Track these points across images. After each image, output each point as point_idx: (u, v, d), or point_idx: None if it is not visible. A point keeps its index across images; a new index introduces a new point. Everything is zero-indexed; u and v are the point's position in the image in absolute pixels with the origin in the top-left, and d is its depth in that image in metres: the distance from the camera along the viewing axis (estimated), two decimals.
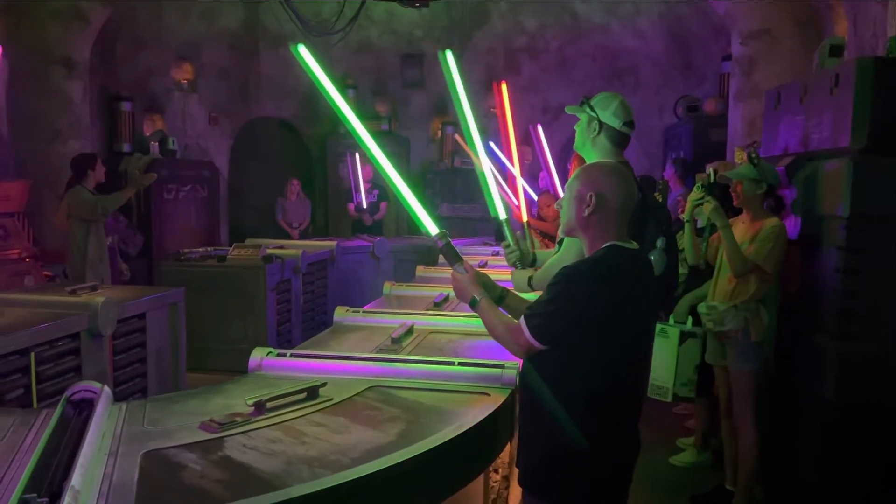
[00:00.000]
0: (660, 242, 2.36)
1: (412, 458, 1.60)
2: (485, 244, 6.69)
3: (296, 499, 1.38)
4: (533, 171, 7.55)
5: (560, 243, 2.53)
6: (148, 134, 8.06)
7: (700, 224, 3.56)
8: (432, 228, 2.12)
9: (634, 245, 1.94)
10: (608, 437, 1.90)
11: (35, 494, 1.31)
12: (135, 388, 3.83)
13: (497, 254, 5.61)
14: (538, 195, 5.69)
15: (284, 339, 5.69)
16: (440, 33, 9.16)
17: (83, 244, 5.10)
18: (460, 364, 2.21)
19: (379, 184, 8.42)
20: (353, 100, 9.24)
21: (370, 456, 1.59)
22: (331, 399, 1.97)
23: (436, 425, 1.81)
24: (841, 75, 3.15)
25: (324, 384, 2.02)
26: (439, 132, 9.31)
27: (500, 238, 7.03)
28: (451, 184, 8.96)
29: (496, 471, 2.69)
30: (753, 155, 3.33)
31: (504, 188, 4.15)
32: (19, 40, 6.39)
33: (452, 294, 3.60)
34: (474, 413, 1.90)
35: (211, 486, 1.44)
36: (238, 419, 1.78)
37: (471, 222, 8.65)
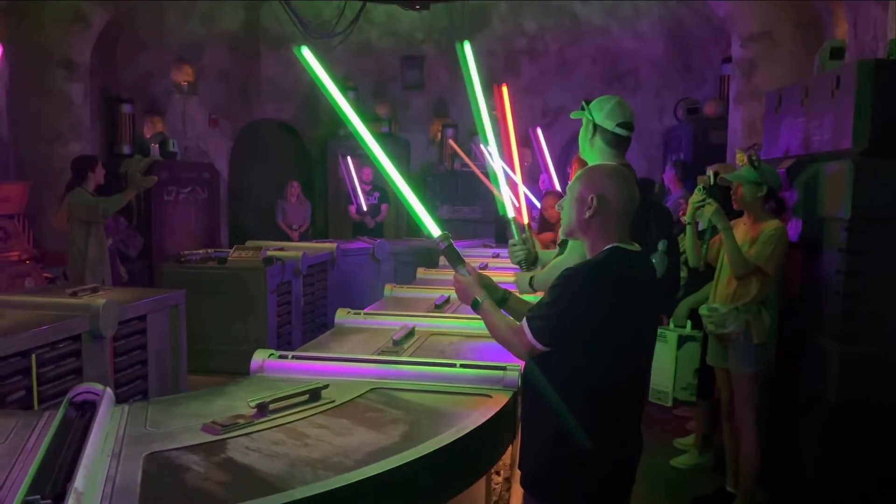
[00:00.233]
0: (661, 245, 2.36)
1: (415, 460, 1.60)
2: (485, 246, 6.69)
3: (299, 501, 1.38)
4: (533, 174, 7.55)
5: (562, 245, 2.53)
6: (148, 136, 8.06)
7: (701, 226, 3.56)
8: (434, 230, 2.13)
9: (636, 247, 1.94)
10: (609, 439, 1.90)
11: (38, 496, 1.31)
12: (135, 390, 3.83)
13: (497, 256, 5.61)
14: (542, 196, 5.70)
15: (284, 341, 5.69)
16: (440, 35, 9.17)
17: (83, 246, 5.10)
18: (462, 366, 2.21)
19: (379, 185, 8.43)
20: (353, 102, 9.24)
21: (373, 458, 1.59)
22: (333, 401, 1.97)
23: (438, 427, 1.81)
24: (842, 78, 3.15)
25: (326, 386, 2.02)
26: (439, 134, 9.32)
27: (500, 240, 7.04)
28: (451, 186, 8.97)
29: (498, 473, 2.70)
30: (754, 157, 3.33)
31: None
32: (20, 42, 6.39)
33: (453, 296, 3.60)
34: (476, 415, 1.90)
35: (214, 488, 1.44)
36: (241, 421, 1.77)
37: (471, 224, 8.66)
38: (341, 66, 9.18)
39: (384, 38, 9.28)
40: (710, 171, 3.66)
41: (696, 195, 3.49)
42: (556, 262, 2.49)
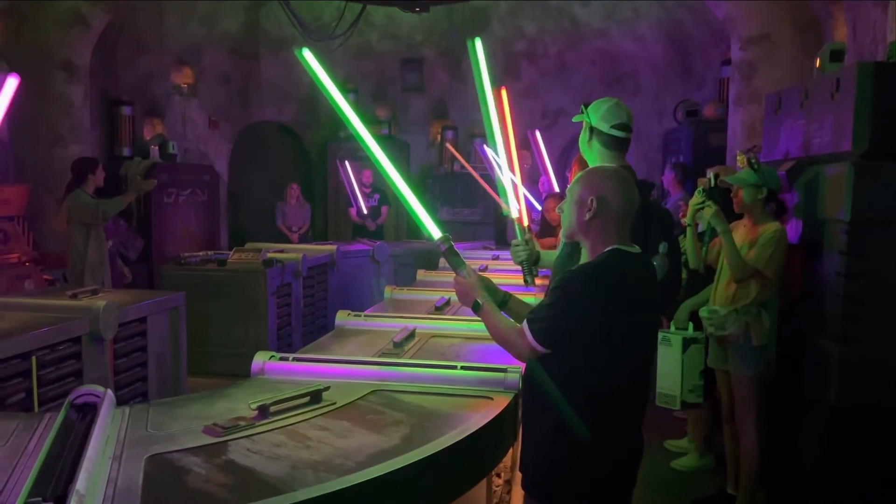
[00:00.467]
0: (662, 247, 2.36)
1: (416, 462, 1.60)
2: (485, 248, 6.70)
3: (301, 503, 1.38)
4: (532, 176, 7.56)
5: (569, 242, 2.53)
6: (148, 138, 8.07)
7: (701, 228, 3.56)
8: (435, 232, 2.13)
9: (636, 248, 1.94)
10: (610, 441, 1.90)
11: (40, 498, 1.31)
12: (136, 392, 3.83)
13: (497, 258, 5.61)
14: (544, 199, 5.70)
15: (285, 343, 5.69)
16: (440, 38, 9.18)
17: (83, 248, 5.10)
18: (463, 368, 2.21)
19: (379, 188, 8.43)
20: (353, 104, 9.23)
21: (374, 460, 1.59)
22: (334, 403, 1.97)
23: (439, 429, 1.81)
24: (842, 80, 3.16)
25: (327, 388, 2.02)
26: (439, 136, 9.33)
27: (500, 242, 7.04)
28: (451, 188, 8.98)
29: (499, 475, 2.69)
30: (753, 160, 3.34)
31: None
32: (20, 44, 6.40)
33: (454, 298, 3.60)
34: (477, 417, 1.90)
35: (215, 490, 1.44)
36: (242, 423, 1.77)
37: (470, 226, 8.67)
38: (341, 68, 9.18)
39: (384, 41, 9.29)
40: (710, 173, 3.67)
41: (696, 197, 3.50)
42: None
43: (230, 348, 5.14)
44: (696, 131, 7.37)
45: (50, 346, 3.14)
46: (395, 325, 2.93)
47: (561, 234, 2.09)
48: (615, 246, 1.90)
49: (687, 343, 3.29)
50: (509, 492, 2.72)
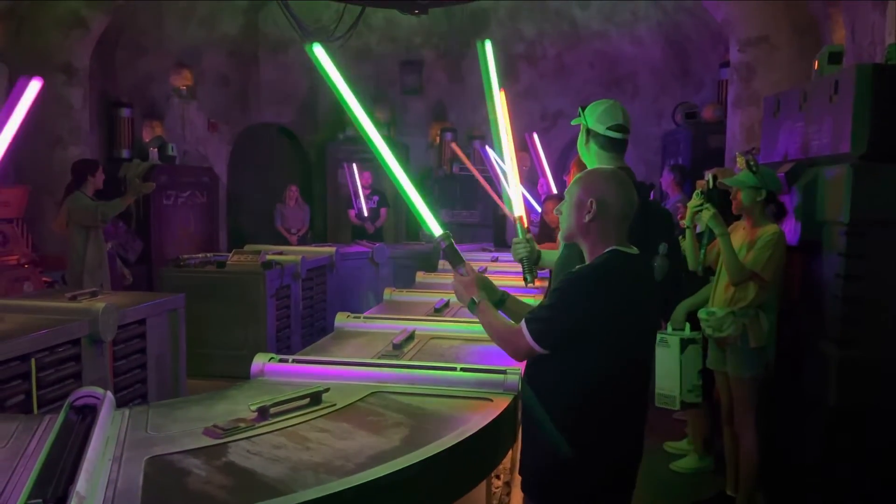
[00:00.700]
0: (662, 248, 2.36)
1: (415, 463, 1.60)
2: (483, 250, 6.70)
3: None
4: (531, 178, 7.57)
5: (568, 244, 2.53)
6: (147, 140, 8.07)
7: (699, 229, 3.57)
8: (436, 229, 2.13)
9: (634, 250, 1.94)
10: (609, 443, 1.90)
11: (40, 500, 1.31)
12: (135, 394, 3.83)
13: (496, 259, 5.61)
14: (543, 200, 5.71)
15: (284, 345, 5.68)
16: (439, 40, 9.20)
17: (82, 250, 5.10)
18: (462, 369, 2.21)
19: (379, 190, 8.44)
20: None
21: (374, 461, 1.59)
22: (334, 405, 1.97)
23: (438, 431, 1.81)
24: (840, 82, 3.16)
25: (326, 390, 2.02)
26: (438, 138, 9.34)
27: (499, 243, 7.04)
28: (450, 190, 8.99)
29: (498, 476, 2.69)
30: (752, 162, 3.34)
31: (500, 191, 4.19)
32: (19, 46, 6.40)
33: (453, 299, 3.61)
34: (477, 419, 1.90)
35: (216, 492, 1.44)
36: (242, 425, 1.77)
37: (469, 228, 8.68)
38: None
39: (383, 43, 9.30)
40: (709, 175, 3.67)
41: (695, 200, 3.50)
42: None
43: (229, 350, 5.14)
44: (694, 133, 7.38)
45: (49, 349, 3.14)
46: (394, 326, 2.93)
47: (559, 235, 2.09)
48: (614, 247, 1.90)
49: (685, 344, 3.30)
50: (509, 493, 2.72)
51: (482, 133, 8.70)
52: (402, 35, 9.24)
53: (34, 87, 2.76)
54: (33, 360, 3.02)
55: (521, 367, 2.16)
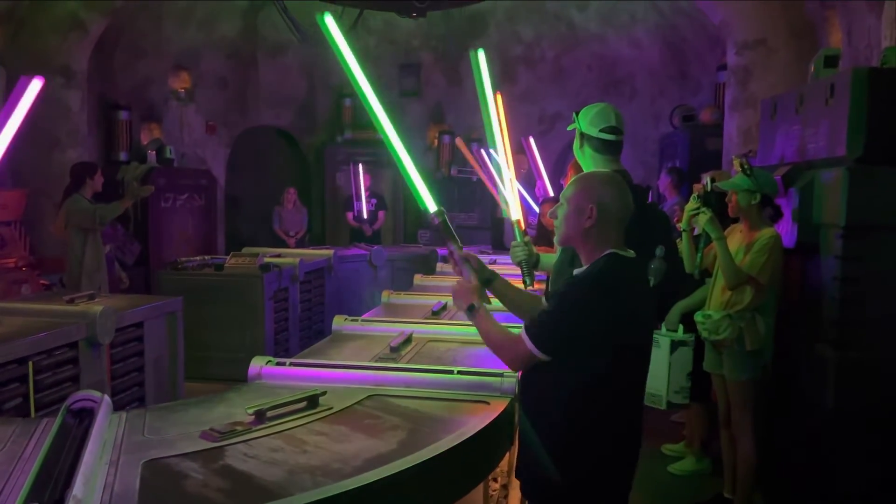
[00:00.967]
0: (659, 250, 2.36)
1: (412, 466, 1.61)
2: (481, 252, 6.69)
3: None
4: (529, 181, 7.58)
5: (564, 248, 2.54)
6: (145, 143, 8.06)
7: (697, 231, 3.58)
8: (431, 205, 2.14)
9: (631, 253, 1.95)
10: (608, 447, 1.91)
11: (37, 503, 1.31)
12: (133, 397, 3.82)
13: (494, 262, 5.61)
14: (541, 203, 5.72)
15: (282, 348, 5.68)
16: (437, 43, 9.20)
17: (80, 253, 5.10)
18: (459, 372, 2.22)
19: (377, 192, 8.45)
20: (350, 109, 9.27)
21: (371, 465, 1.59)
22: (331, 408, 1.98)
23: (435, 434, 1.82)
24: (836, 85, 3.18)
25: (324, 393, 2.02)
26: (436, 141, 9.34)
27: (497, 246, 7.05)
28: (448, 192, 8.99)
29: (495, 479, 2.70)
30: (746, 165, 3.35)
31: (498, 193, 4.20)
32: (18, 49, 6.40)
33: (450, 302, 3.61)
34: (474, 422, 1.90)
35: (213, 495, 1.44)
36: (239, 428, 1.78)
37: (467, 231, 8.68)
38: (338, 73, 9.14)
39: (381, 46, 9.31)
40: (707, 178, 3.68)
41: (691, 203, 3.51)
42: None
43: (227, 353, 5.14)
44: (692, 136, 7.39)
45: (47, 351, 3.14)
46: (391, 329, 2.94)
47: (555, 239, 2.09)
48: (612, 250, 1.90)
49: (675, 345, 3.31)
50: (506, 496, 2.72)
51: (480, 136, 8.67)
52: (401, 38, 9.25)
53: (35, 86, 2.75)
54: (31, 363, 3.02)
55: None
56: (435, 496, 1.74)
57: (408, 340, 2.75)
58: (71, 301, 3.68)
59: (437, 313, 3.39)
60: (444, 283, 4.45)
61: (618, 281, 1.88)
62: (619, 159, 2.61)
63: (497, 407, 2.02)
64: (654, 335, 3.32)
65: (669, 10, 8.22)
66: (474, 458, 1.88)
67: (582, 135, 2.55)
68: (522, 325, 1.91)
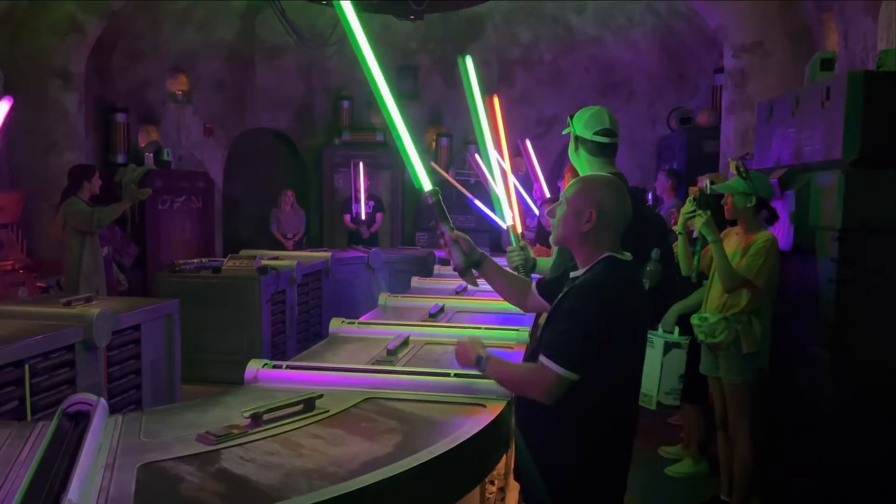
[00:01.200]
0: (654, 253, 2.37)
1: (409, 469, 1.60)
2: None
3: None
4: (527, 183, 7.58)
5: (561, 250, 2.54)
6: (143, 145, 8.06)
7: (696, 234, 3.58)
8: (426, 183, 2.15)
9: (628, 256, 1.95)
10: (607, 451, 1.91)
11: None
12: (129, 400, 3.82)
13: None
14: (541, 205, 5.73)
15: (279, 351, 5.67)
16: (435, 45, 9.21)
17: (78, 255, 5.09)
18: (456, 375, 2.21)
19: (375, 195, 8.45)
20: (347, 111, 9.27)
21: (367, 468, 1.59)
22: (327, 411, 1.97)
23: (432, 437, 1.82)
24: (832, 89, 3.18)
25: (320, 396, 2.02)
26: (434, 143, 9.35)
27: (494, 248, 7.06)
28: (446, 195, 8.93)
29: (492, 482, 2.69)
30: (742, 168, 3.36)
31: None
32: (16, 51, 6.40)
33: (447, 305, 3.62)
34: (470, 424, 1.90)
35: (209, 499, 1.44)
36: (235, 431, 1.78)
37: (465, 233, 8.66)
38: (336, 75, 9.21)
39: (379, 48, 9.29)
40: (706, 180, 3.68)
41: (687, 206, 3.52)
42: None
43: (224, 355, 5.13)
44: (689, 138, 7.41)
45: (43, 354, 3.13)
46: (388, 332, 2.93)
47: (551, 238, 2.09)
48: (609, 254, 1.91)
49: (669, 346, 3.31)
50: (503, 499, 2.72)
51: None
52: (398, 40, 9.26)
53: (3, 107, 2.76)
54: (27, 367, 3.01)
55: None
56: (432, 499, 1.74)
57: (405, 343, 2.75)
58: (68, 304, 3.68)
59: (435, 316, 3.39)
60: (441, 286, 4.45)
61: (620, 285, 1.88)
62: (615, 161, 2.61)
63: (494, 410, 2.02)
64: (651, 335, 3.34)
65: (666, 13, 8.24)
66: (471, 460, 1.88)
67: (576, 138, 2.57)
68: (541, 356, 1.82)
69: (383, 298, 3.92)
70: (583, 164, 2.58)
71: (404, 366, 2.46)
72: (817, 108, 3.31)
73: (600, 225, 1.89)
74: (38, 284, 5.78)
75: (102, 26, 6.94)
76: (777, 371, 3.60)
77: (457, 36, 8.93)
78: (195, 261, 6.11)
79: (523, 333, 2.86)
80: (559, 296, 1.96)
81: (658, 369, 3.27)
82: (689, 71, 8.65)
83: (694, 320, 3.43)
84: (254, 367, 2.30)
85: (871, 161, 3.03)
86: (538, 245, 5.29)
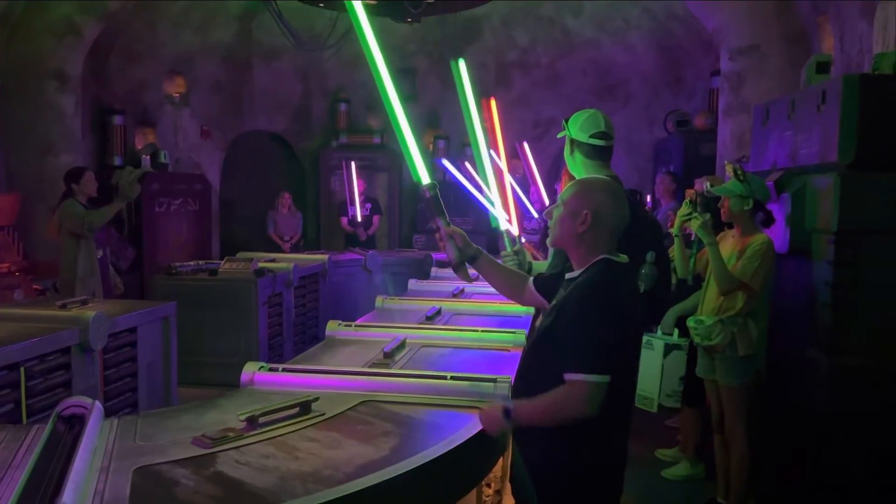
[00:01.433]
0: (650, 256, 2.38)
1: (405, 472, 1.60)
2: None
3: None
4: (524, 186, 7.59)
5: (557, 252, 2.54)
6: (140, 147, 8.05)
7: (694, 236, 3.59)
8: (425, 177, 2.15)
9: (624, 258, 1.96)
10: (606, 453, 1.91)
11: None
12: (125, 403, 3.81)
13: None
14: (541, 210, 5.73)
15: (276, 353, 5.66)
16: (432, 48, 9.22)
17: (74, 258, 5.07)
18: (453, 378, 2.21)
19: (372, 197, 8.45)
20: (345, 114, 9.28)
21: (363, 471, 1.59)
22: (323, 414, 1.97)
23: (428, 440, 1.82)
24: (828, 92, 3.19)
25: (316, 399, 2.02)
26: (431, 145, 9.36)
27: (492, 250, 7.06)
28: (444, 197, 8.93)
29: (488, 485, 2.69)
30: (739, 171, 3.36)
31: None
32: (12, 53, 6.39)
33: (444, 307, 3.62)
34: (467, 427, 1.90)
35: (204, 502, 1.44)
36: (230, 434, 1.77)
37: None
38: (333, 78, 9.21)
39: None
40: (706, 183, 3.69)
41: (684, 208, 3.53)
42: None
43: (221, 358, 5.12)
44: (686, 141, 7.42)
45: (39, 357, 3.12)
46: (385, 335, 2.93)
47: (548, 240, 2.10)
48: (605, 256, 1.91)
49: (669, 348, 3.31)
50: (500, 501, 2.72)
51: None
52: (396, 43, 9.25)
53: None
54: (23, 369, 3.00)
55: (510, 375, 2.17)
56: (428, 502, 1.74)
57: (401, 346, 2.75)
58: (64, 306, 3.67)
59: (432, 318, 3.39)
60: (438, 289, 4.45)
61: (620, 288, 1.89)
62: (610, 164, 2.62)
63: None
64: (650, 337, 3.34)
65: (663, 16, 8.26)
66: (467, 463, 1.88)
67: (572, 141, 2.57)
68: (565, 375, 1.80)
69: (380, 301, 3.92)
70: (578, 167, 2.59)
71: (401, 369, 2.46)
72: (813, 111, 3.32)
73: (596, 227, 1.89)
74: (34, 287, 5.76)
75: (99, 28, 6.93)
76: (773, 374, 3.61)
77: (454, 38, 8.94)
78: (192, 263, 6.09)
79: (520, 336, 2.86)
80: (558, 297, 1.96)
81: (659, 371, 3.27)
82: (685, 74, 8.67)
83: (690, 323, 3.43)
84: (250, 370, 2.30)
85: (867, 164, 3.05)
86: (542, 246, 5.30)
